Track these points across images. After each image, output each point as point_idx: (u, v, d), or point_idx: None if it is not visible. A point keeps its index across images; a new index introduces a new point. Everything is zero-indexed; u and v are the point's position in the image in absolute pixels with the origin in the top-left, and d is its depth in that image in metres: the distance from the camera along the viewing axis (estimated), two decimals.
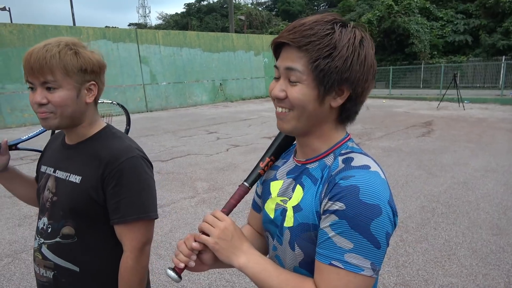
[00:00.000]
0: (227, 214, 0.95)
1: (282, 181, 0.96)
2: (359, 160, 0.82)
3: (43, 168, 1.27)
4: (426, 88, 22.37)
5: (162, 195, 4.94)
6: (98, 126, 1.22)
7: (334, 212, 0.76)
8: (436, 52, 24.57)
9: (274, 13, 50.05)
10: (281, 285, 0.81)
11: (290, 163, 0.98)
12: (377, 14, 24.61)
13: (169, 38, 17.36)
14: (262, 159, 1.02)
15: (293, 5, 47.48)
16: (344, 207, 0.75)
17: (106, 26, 24.56)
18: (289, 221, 0.88)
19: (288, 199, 0.91)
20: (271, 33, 32.40)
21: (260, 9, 48.45)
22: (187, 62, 18.04)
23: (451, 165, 6.13)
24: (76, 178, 1.15)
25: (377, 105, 15.43)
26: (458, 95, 13.85)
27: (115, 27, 27.40)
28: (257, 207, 1.12)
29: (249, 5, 46.37)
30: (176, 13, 58.64)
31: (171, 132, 10.30)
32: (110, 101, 1.77)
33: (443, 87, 17.84)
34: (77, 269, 1.17)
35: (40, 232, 1.21)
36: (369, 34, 0.85)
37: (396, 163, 6.32)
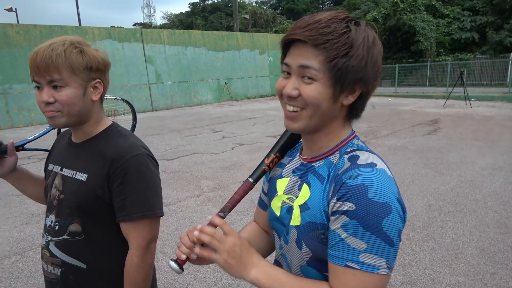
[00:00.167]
0: (231, 209, 0.95)
1: (288, 178, 0.96)
2: (365, 158, 0.82)
3: (50, 167, 1.28)
4: (432, 86, 22.21)
5: (167, 194, 4.95)
6: (104, 124, 1.23)
7: (344, 212, 0.75)
8: (442, 50, 24.37)
9: (278, 11, 49.97)
10: None
11: (296, 161, 0.97)
12: (383, 12, 24.46)
13: (174, 38, 17.39)
14: (267, 156, 1.02)
15: (297, 4, 47.37)
16: (354, 207, 0.74)
17: (112, 26, 24.67)
18: (296, 220, 0.87)
19: (294, 197, 0.91)
20: (275, 31, 32.32)
21: (264, 7, 48.39)
22: (192, 61, 18.07)
23: (458, 163, 6.08)
24: (82, 176, 1.15)
25: (383, 103, 15.35)
26: (464, 93, 13.73)
27: (120, 27, 27.51)
28: (263, 205, 1.12)
29: (254, 4, 46.36)
30: (181, 12, 58.78)
31: (177, 131, 10.33)
32: (114, 97, 1.73)
33: (449, 85, 17.69)
34: (84, 266, 1.18)
35: (47, 230, 1.22)
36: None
37: (402, 161, 6.28)
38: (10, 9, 27.34)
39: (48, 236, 1.21)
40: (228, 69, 19.62)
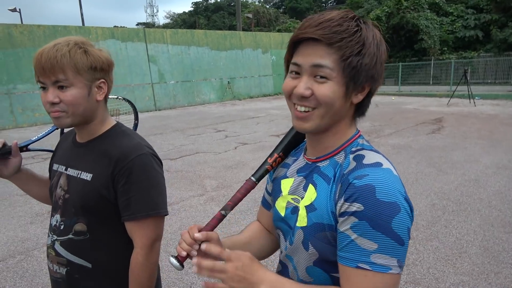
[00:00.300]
0: (232, 207, 0.95)
1: (293, 179, 0.96)
2: (370, 157, 0.81)
3: (55, 167, 1.29)
4: (436, 85, 22.09)
5: (171, 193, 4.96)
6: (108, 124, 1.24)
7: (353, 213, 0.75)
8: (446, 48, 24.25)
9: (281, 10, 49.89)
10: None
11: (301, 161, 0.97)
12: (386, 10, 24.36)
13: (177, 37, 17.42)
14: (270, 155, 1.02)
15: (300, 3, 47.26)
16: (362, 207, 0.74)
17: (115, 26, 24.77)
18: (302, 221, 0.87)
19: (299, 198, 0.90)
20: (278, 30, 32.28)
21: (267, 6, 48.32)
22: (195, 61, 18.08)
23: (462, 162, 6.05)
24: (87, 176, 1.16)
25: (386, 102, 15.30)
26: (468, 91, 13.66)
27: (124, 26, 27.57)
28: (267, 204, 1.12)
29: (257, 3, 46.31)
30: (184, 12, 58.85)
31: (180, 130, 10.34)
32: (116, 96, 1.71)
33: (453, 83, 17.61)
34: (89, 265, 1.18)
35: (53, 229, 1.23)
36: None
37: (406, 160, 6.26)
38: (14, 10, 27.48)
39: (54, 236, 1.22)
40: (231, 68, 19.62)
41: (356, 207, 0.74)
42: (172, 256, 0.90)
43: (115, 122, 1.27)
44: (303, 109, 0.83)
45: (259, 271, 0.81)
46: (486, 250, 3.30)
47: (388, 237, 0.73)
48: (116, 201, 1.15)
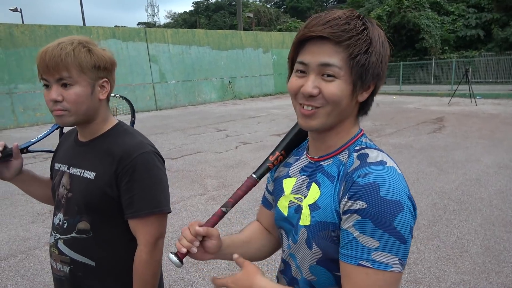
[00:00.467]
0: (233, 205, 0.95)
1: (295, 178, 0.95)
2: (374, 156, 0.82)
3: (56, 166, 1.29)
4: (437, 84, 22.06)
5: (172, 193, 4.97)
6: (110, 123, 1.24)
7: (356, 211, 0.75)
8: (447, 47, 24.21)
9: (282, 10, 49.83)
10: None
11: (303, 160, 0.97)
12: (387, 9, 24.33)
13: (177, 37, 17.42)
14: (272, 153, 1.02)
15: (301, 2, 47.21)
16: (366, 205, 0.74)
17: (116, 26, 24.76)
18: (305, 220, 0.87)
19: (302, 197, 0.90)
20: (279, 30, 32.25)
21: (268, 6, 48.28)
22: (196, 60, 18.09)
23: (463, 161, 6.05)
24: (90, 174, 1.17)
25: (387, 102, 15.28)
26: (470, 91, 13.64)
27: (124, 26, 27.60)
28: (267, 204, 1.11)
29: (257, 2, 46.28)
30: (185, 11, 58.84)
31: (181, 130, 10.35)
32: (113, 95, 1.70)
33: (454, 82, 17.57)
34: (92, 263, 1.19)
35: (56, 228, 1.24)
36: None
37: (407, 160, 6.26)
38: (15, 10, 27.53)
39: (57, 234, 1.22)
40: (232, 68, 19.63)
41: (359, 205, 0.75)
42: (171, 252, 0.90)
43: (117, 121, 1.27)
44: (310, 108, 0.82)
45: (255, 284, 0.86)
46: (487, 249, 3.30)
47: (390, 235, 0.73)
48: (120, 199, 1.16)
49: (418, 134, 8.36)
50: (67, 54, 1.06)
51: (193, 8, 56.19)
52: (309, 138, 0.96)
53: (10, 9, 27.46)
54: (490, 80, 21.02)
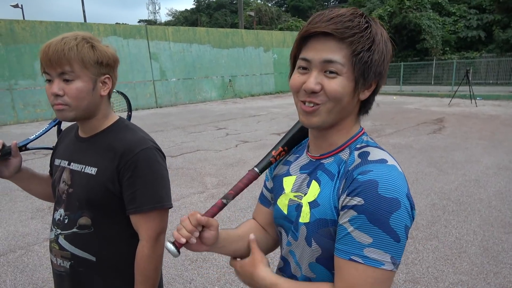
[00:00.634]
0: (234, 197, 0.95)
1: (295, 176, 0.95)
2: (375, 154, 0.82)
3: (57, 162, 1.29)
4: (437, 85, 22.05)
5: (171, 190, 4.92)
6: (111, 119, 1.25)
7: (353, 207, 0.76)
8: (448, 48, 24.19)
9: (283, 9, 49.77)
10: None
11: (304, 158, 0.97)
12: (388, 10, 24.30)
13: (178, 35, 17.41)
14: (275, 148, 1.02)
15: (302, 1, 47.15)
16: (363, 201, 0.74)
17: (117, 23, 24.73)
18: (305, 217, 0.87)
19: (302, 195, 0.90)
20: (280, 29, 32.20)
21: (269, 5, 48.20)
22: (197, 58, 18.08)
23: (463, 162, 6.05)
24: (91, 170, 1.17)
25: (387, 102, 15.28)
26: (470, 92, 13.64)
27: (125, 23, 27.57)
28: (265, 201, 1.11)
29: (259, 1, 46.16)
30: (186, 9, 58.72)
31: (181, 128, 10.35)
32: None
33: (455, 83, 17.56)
34: (93, 258, 1.19)
35: (56, 223, 1.24)
36: None
37: (407, 160, 6.27)
38: (16, 6, 27.51)
39: (57, 230, 1.23)
40: (233, 66, 19.61)
41: (357, 201, 0.75)
42: (169, 241, 0.89)
43: (118, 117, 1.28)
44: (311, 105, 0.82)
45: (254, 275, 0.93)
46: (485, 250, 3.30)
47: (384, 232, 0.73)
48: (121, 195, 1.17)
49: (418, 135, 8.37)
50: (70, 49, 1.07)
51: (194, 6, 56.10)
52: (309, 136, 0.95)
53: (11, 5, 27.45)
54: (491, 82, 21.01)
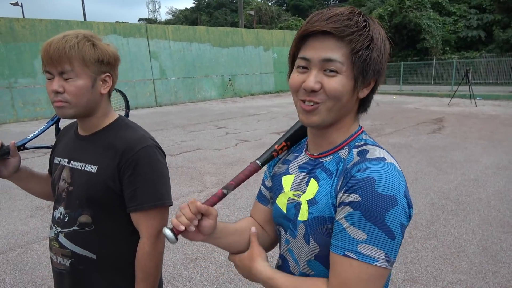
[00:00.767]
0: (234, 187, 0.96)
1: (294, 175, 0.96)
2: (374, 152, 0.82)
3: (56, 160, 1.29)
4: (437, 84, 22.07)
5: (171, 189, 4.97)
6: (111, 118, 1.25)
7: (349, 203, 0.76)
8: (448, 48, 24.20)
9: (284, 8, 49.73)
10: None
11: (303, 157, 0.97)
12: (388, 9, 24.30)
13: (178, 33, 17.40)
14: (278, 142, 1.02)
15: (303, 0, 47.12)
16: (359, 198, 0.75)
17: (116, 21, 24.74)
18: (303, 215, 0.87)
19: (301, 193, 0.90)
20: (280, 28, 32.18)
21: (269, 4, 48.16)
22: (197, 57, 18.07)
23: (462, 162, 6.06)
24: (92, 168, 1.17)
25: (387, 101, 15.29)
26: (470, 92, 13.65)
27: (125, 22, 27.55)
28: (264, 199, 1.11)
29: (259, 0, 46.12)
30: (186, 8, 58.63)
31: (181, 126, 10.35)
32: None
33: (454, 83, 17.58)
34: (94, 256, 1.20)
35: (56, 222, 1.24)
36: None
37: (406, 159, 6.27)
38: (16, 4, 27.46)
39: (58, 228, 1.23)
40: (233, 65, 19.61)
41: (353, 197, 0.75)
42: (167, 228, 0.88)
43: (118, 115, 1.28)
44: (311, 104, 0.83)
45: (252, 268, 0.95)
46: (484, 249, 3.31)
47: (379, 229, 0.73)
48: (122, 193, 1.17)
49: (418, 134, 8.38)
50: (71, 47, 1.07)
51: (194, 5, 56.02)
52: (308, 135, 0.96)
53: (11, 3, 27.40)
54: (491, 82, 21.03)
